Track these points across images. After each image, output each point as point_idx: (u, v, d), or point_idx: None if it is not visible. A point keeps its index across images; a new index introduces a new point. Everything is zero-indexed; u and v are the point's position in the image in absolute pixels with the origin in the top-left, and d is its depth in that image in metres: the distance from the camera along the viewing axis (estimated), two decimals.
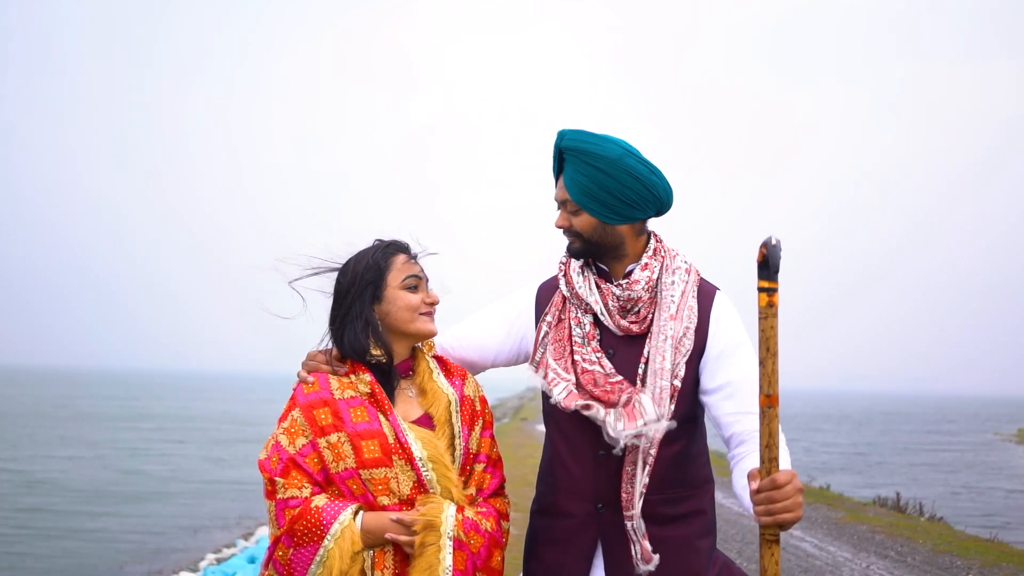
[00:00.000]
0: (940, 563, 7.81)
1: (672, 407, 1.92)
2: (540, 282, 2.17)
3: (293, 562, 1.82)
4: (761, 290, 1.65)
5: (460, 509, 1.89)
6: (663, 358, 1.92)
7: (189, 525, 12.90)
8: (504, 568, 1.96)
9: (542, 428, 2.25)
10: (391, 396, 1.96)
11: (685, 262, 2.05)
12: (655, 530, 1.95)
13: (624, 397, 1.90)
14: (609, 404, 1.91)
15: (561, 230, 2.05)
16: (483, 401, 2.07)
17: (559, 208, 2.05)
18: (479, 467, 2.00)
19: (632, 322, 1.98)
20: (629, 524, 1.92)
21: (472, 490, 1.97)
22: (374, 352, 1.94)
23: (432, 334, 2.01)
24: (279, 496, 1.84)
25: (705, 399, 2.00)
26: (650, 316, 1.99)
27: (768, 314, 1.63)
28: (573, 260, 2.07)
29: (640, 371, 1.95)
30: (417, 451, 1.88)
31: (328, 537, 1.80)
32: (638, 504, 1.91)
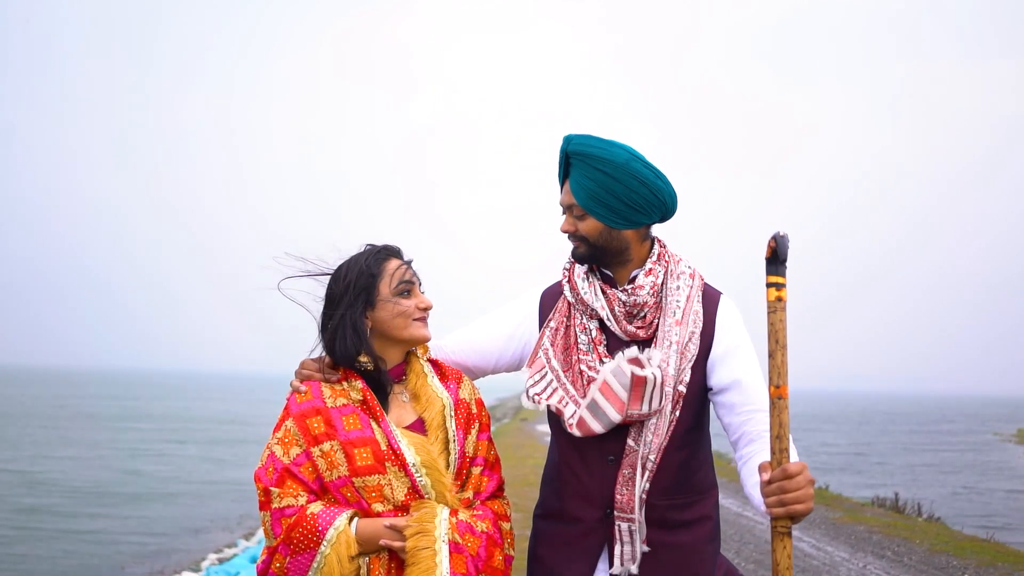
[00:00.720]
0: (936, 563, 7.84)
1: (678, 413, 1.93)
2: (543, 287, 2.17)
3: (291, 570, 1.82)
4: (770, 285, 1.66)
5: (454, 512, 1.88)
6: (668, 364, 1.92)
7: (190, 526, 12.93)
8: (510, 569, 1.96)
9: (542, 428, 2.27)
10: (385, 402, 1.96)
11: (689, 267, 2.06)
12: (662, 535, 1.96)
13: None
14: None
15: (566, 235, 2.06)
16: (479, 404, 2.06)
17: (564, 213, 2.05)
18: (476, 470, 1.99)
19: (638, 327, 1.99)
20: (628, 526, 1.93)
21: (469, 493, 1.96)
22: (362, 359, 1.94)
23: (426, 339, 2.01)
24: (274, 506, 1.84)
25: (711, 400, 2.02)
26: (656, 321, 1.99)
27: (777, 308, 1.66)
28: (577, 265, 2.07)
29: None
30: (410, 457, 1.88)
31: (324, 543, 1.80)
32: (640, 510, 1.92)
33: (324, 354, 2.00)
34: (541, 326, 2.09)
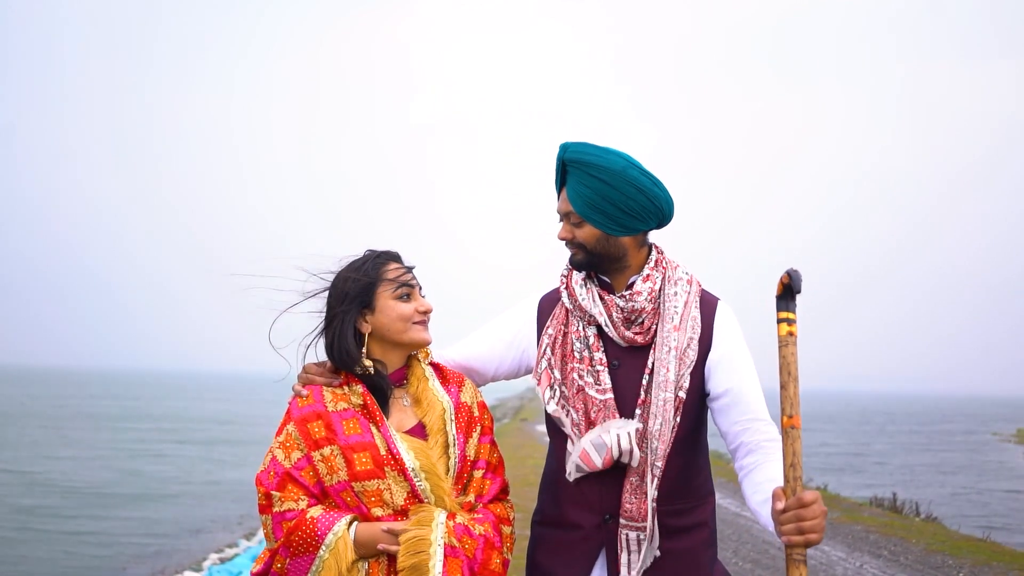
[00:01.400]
0: (932, 562, 7.88)
1: (678, 419, 1.94)
2: (541, 294, 2.17)
3: (290, 572, 1.84)
4: (781, 320, 1.68)
5: (451, 516, 1.88)
6: (667, 370, 1.93)
7: (191, 526, 12.95)
8: (507, 573, 1.95)
9: (542, 428, 2.29)
10: (385, 406, 1.96)
11: (686, 273, 2.07)
12: (661, 542, 1.96)
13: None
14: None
15: (564, 242, 2.07)
16: (481, 407, 2.06)
17: (561, 220, 2.06)
18: (478, 473, 1.99)
19: (636, 333, 1.99)
20: (636, 535, 1.93)
21: (471, 497, 1.96)
22: (363, 363, 1.95)
23: (426, 343, 2.01)
24: (275, 509, 1.86)
25: (708, 405, 2.03)
26: (654, 327, 2.00)
27: (788, 342, 1.67)
28: (575, 272, 2.08)
29: (644, 382, 1.96)
30: (409, 462, 1.88)
31: (323, 547, 1.81)
32: (652, 518, 1.91)
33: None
34: (539, 333, 2.10)
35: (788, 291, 1.68)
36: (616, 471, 1.95)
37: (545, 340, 2.05)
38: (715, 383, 1.99)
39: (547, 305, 2.13)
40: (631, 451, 1.90)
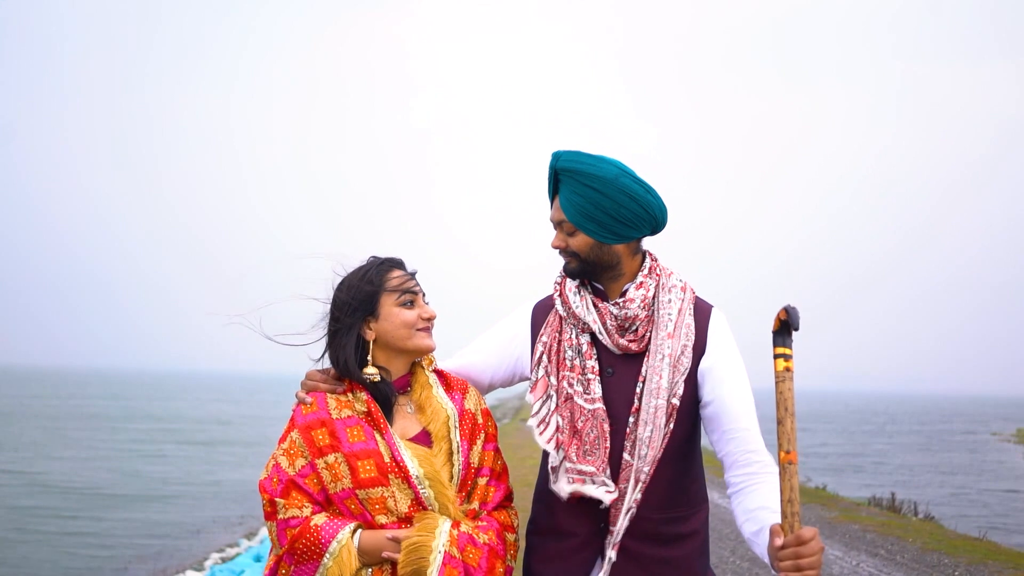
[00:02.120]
0: (928, 561, 7.92)
1: (671, 426, 1.94)
2: (535, 301, 2.17)
3: None
4: (777, 356, 1.67)
5: (456, 524, 1.88)
6: (660, 377, 1.94)
7: (191, 526, 12.98)
8: None
9: None
10: (389, 414, 1.96)
11: (680, 280, 2.07)
12: (655, 549, 1.97)
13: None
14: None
15: (557, 250, 2.07)
16: (485, 414, 2.05)
17: (555, 228, 2.07)
18: (482, 481, 1.99)
19: (630, 340, 1.99)
20: (608, 539, 1.95)
21: (475, 504, 1.96)
22: (367, 371, 1.96)
23: (430, 349, 2.01)
24: (280, 516, 1.86)
25: (700, 413, 2.03)
26: (648, 334, 2.00)
27: (785, 377, 1.67)
28: (568, 280, 2.08)
29: (638, 390, 1.97)
30: (413, 469, 1.88)
31: (327, 555, 1.82)
32: (623, 519, 1.92)
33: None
34: (533, 340, 2.10)
35: (785, 327, 1.67)
36: (610, 480, 1.95)
37: (540, 348, 2.06)
38: (706, 390, 1.99)
39: (541, 312, 2.13)
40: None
